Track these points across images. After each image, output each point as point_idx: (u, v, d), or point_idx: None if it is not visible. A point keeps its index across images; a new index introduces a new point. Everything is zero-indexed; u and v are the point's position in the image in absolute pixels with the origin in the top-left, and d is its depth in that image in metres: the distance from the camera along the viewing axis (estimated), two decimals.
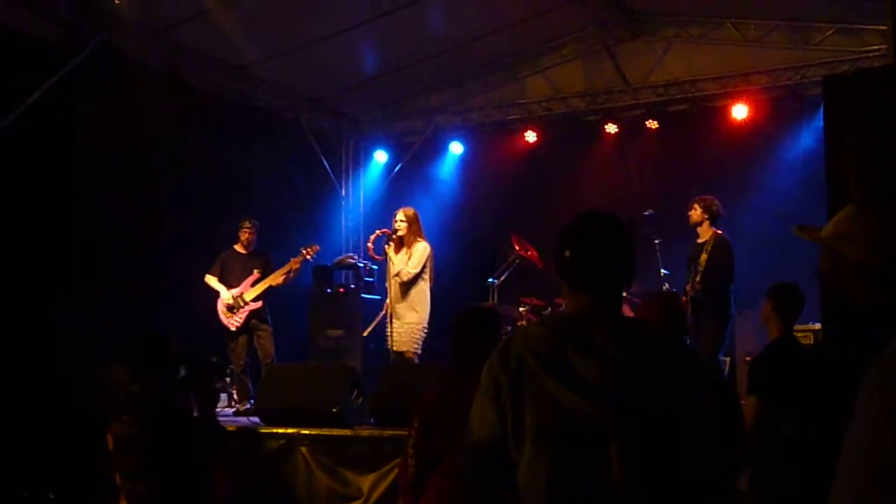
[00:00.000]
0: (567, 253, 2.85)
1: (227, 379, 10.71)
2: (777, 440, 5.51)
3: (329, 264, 12.63)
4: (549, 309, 11.21)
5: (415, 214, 9.92)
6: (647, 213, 10.78)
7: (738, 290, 9.56)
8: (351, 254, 13.52)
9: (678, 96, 13.10)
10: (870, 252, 2.23)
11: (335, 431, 8.19)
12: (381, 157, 15.17)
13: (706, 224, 9.81)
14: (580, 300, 2.83)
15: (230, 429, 7.93)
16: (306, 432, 8.22)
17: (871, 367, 1.68)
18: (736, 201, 11.01)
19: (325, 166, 14.47)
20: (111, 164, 10.54)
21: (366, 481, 7.91)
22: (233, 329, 10.51)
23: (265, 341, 10.60)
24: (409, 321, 9.65)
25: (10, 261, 9.07)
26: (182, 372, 6.52)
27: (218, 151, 12.08)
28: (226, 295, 10.52)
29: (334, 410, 8.22)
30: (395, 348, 9.64)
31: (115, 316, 9.92)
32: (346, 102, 14.43)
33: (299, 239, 11.39)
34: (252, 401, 9.87)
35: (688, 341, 8.31)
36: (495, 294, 11.48)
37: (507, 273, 11.63)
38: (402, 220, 9.81)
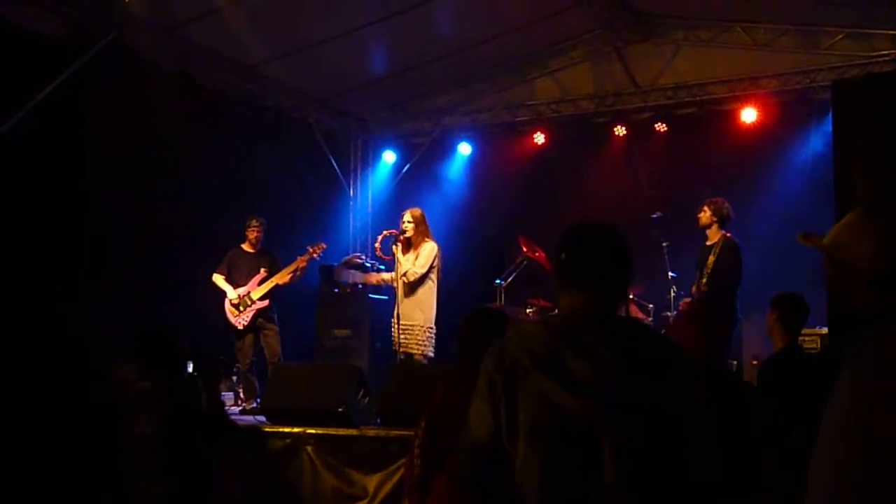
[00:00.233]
0: (563, 255, 2.92)
1: (234, 378, 10.74)
2: (779, 448, 5.50)
3: (336, 264, 12.64)
4: (557, 311, 11.20)
5: (422, 215, 9.94)
6: (655, 216, 10.79)
7: (746, 294, 9.56)
8: (358, 253, 13.52)
9: (687, 99, 13.08)
10: (871, 258, 2.24)
11: (341, 431, 8.19)
12: (389, 157, 15.17)
13: (715, 227, 9.81)
14: (575, 300, 2.87)
15: None
16: (312, 432, 8.22)
17: (845, 370, 1.68)
18: (744, 204, 11.00)
19: (333, 166, 14.47)
20: (119, 162, 10.56)
21: (371, 481, 7.90)
22: (239, 328, 10.52)
23: (272, 340, 10.61)
24: (415, 322, 9.66)
25: (18, 258, 9.07)
26: (189, 369, 6.54)
27: (226, 150, 12.08)
28: (232, 294, 10.54)
29: (340, 410, 8.22)
30: (402, 349, 9.65)
31: (122, 314, 9.92)
32: (354, 102, 14.43)
33: (307, 238, 11.38)
34: (258, 400, 9.88)
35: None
36: (503, 295, 11.48)
37: (514, 274, 11.63)
38: (409, 221, 9.83)
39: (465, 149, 14.65)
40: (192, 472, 5.69)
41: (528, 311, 11.22)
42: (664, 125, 13.08)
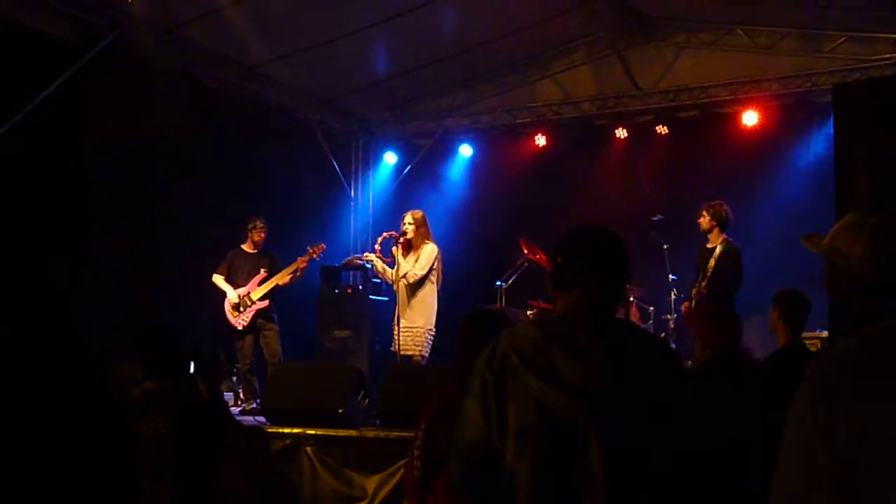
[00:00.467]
0: (558, 259, 2.96)
1: (234, 378, 10.74)
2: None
3: (337, 265, 12.64)
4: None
5: (423, 217, 9.94)
6: (655, 219, 10.80)
7: (747, 296, 9.56)
8: (359, 254, 13.53)
9: (688, 102, 13.10)
10: (862, 262, 2.25)
11: (341, 432, 8.19)
12: (390, 158, 15.19)
13: (716, 231, 9.80)
14: (569, 302, 2.90)
15: None
16: (312, 432, 8.22)
17: (808, 372, 1.67)
18: (745, 207, 11.00)
19: (334, 167, 14.49)
20: (121, 161, 10.56)
21: (371, 482, 7.91)
22: (239, 328, 10.52)
23: (271, 341, 10.60)
24: (415, 324, 9.66)
25: (19, 257, 9.08)
26: (192, 368, 6.54)
27: (228, 150, 12.10)
28: (232, 294, 10.54)
29: (340, 411, 8.22)
30: (401, 351, 9.65)
31: (122, 313, 9.94)
32: (356, 103, 14.44)
33: (308, 239, 11.38)
34: (258, 400, 9.88)
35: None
36: (503, 297, 11.48)
37: (515, 276, 11.63)
38: (410, 223, 9.83)
39: (466, 150, 14.67)
40: (199, 473, 5.69)
41: (528, 312, 11.22)
42: (665, 128, 13.09)
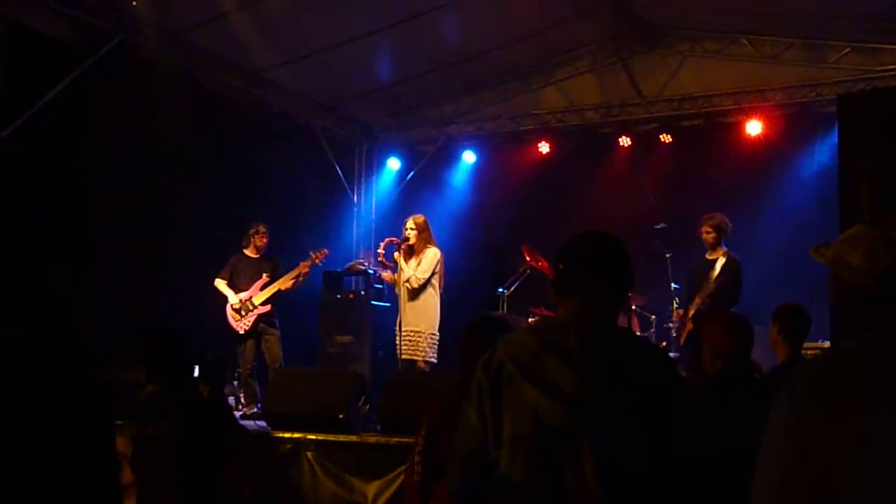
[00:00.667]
0: (560, 266, 2.96)
1: (235, 383, 10.74)
2: None
3: (339, 270, 12.64)
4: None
5: (425, 222, 9.94)
6: (658, 227, 10.80)
7: (750, 307, 9.53)
8: (361, 260, 13.53)
9: (692, 111, 13.09)
10: (862, 273, 2.25)
11: (342, 437, 8.17)
12: (393, 164, 15.19)
13: (719, 244, 9.84)
14: (569, 307, 2.91)
15: None
16: (313, 437, 8.21)
17: (787, 383, 1.64)
18: (748, 217, 11.00)
19: (337, 172, 14.48)
20: (124, 164, 10.57)
21: (371, 488, 7.89)
22: (241, 333, 10.51)
23: (273, 345, 10.59)
24: (417, 329, 9.65)
25: (20, 260, 9.08)
26: (195, 372, 6.54)
27: (230, 155, 12.10)
28: (234, 299, 10.53)
29: (341, 416, 8.21)
30: (404, 356, 9.65)
31: (123, 317, 9.93)
32: (359, 109, 14.44)
33: (310, 244, 11.38)
34: (259, 405, 9.87)
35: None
36: (505, 304, 11.48)
37: (517, 283, 11.63)
38: (412, 228, 9.83)
39: (469, 157, 14.68)
40: (203, 477, 5.67)
41: (530, 320, 11.21)
42: (669, 136, 13.09)
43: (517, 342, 2.84)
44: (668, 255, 10.58)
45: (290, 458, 8.24)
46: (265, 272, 10.66)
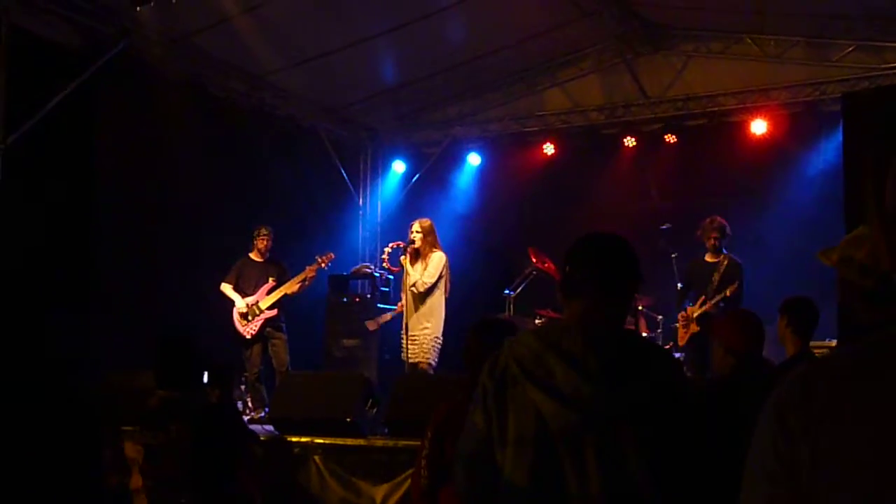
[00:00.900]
0: (567, 268, 2.94)
1: (242, 387, 10.74)
2: None
3: (346, 273, 12.64)
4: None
5: (430, 226, 9.93)
6: (663, 227, 10.79)
7: (756, 305, 9.54)
8: (367, 263, 13.53)
9: (697, 111, 13.07)
10: (864, 273, 2.25)
11: (349, 441, 8.18)
12: (399, 166, 15.17)
13: (722, 248, 9.89)
14: (576, 309, 2.90)
15: None
16: (320, 441, 8.21)
17: (774, 393, 1.61)
18: (753, 216, 10.99)
19: (342, 176, 14.48)
20: (129, 169, 10.60)
21: (379, 491, 7.89)
22: (247, 337, 10.51)
23: (280, 350, 10.59)
24: (422, 332, 9.64)
25: (27, 265, 9.09)
26: (205, 376, 6.55)
27: (236, 159, 12.11)
28: (241, 303, 10.53)
29: (348, 420, 8.22)
30: (410, 359, 9.64)
31: (130, 323, 9.95)
32: (364, 112, 14.44)
33: (316, 248, 11.39)
34: (266, 409, 9.88)
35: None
36: (511, 306, 11.47)
37: (523, 285, 11.61)
38: (417, 232, 9.81)
39: (474, 159, 14.66)
40: (215, 481, 5.69)
41: (536, 321, 11.19)
42: (674, 136, 13.06)
43: (522, 344, 2.84)
44: (673, 255, 10.57)
45: (297, 462, 8.25)
46: (271, 276, 10.67)
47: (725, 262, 9.74)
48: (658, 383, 2.78)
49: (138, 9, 10.08)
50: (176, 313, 10.56)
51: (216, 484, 5.67)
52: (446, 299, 9.82)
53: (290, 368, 10.48)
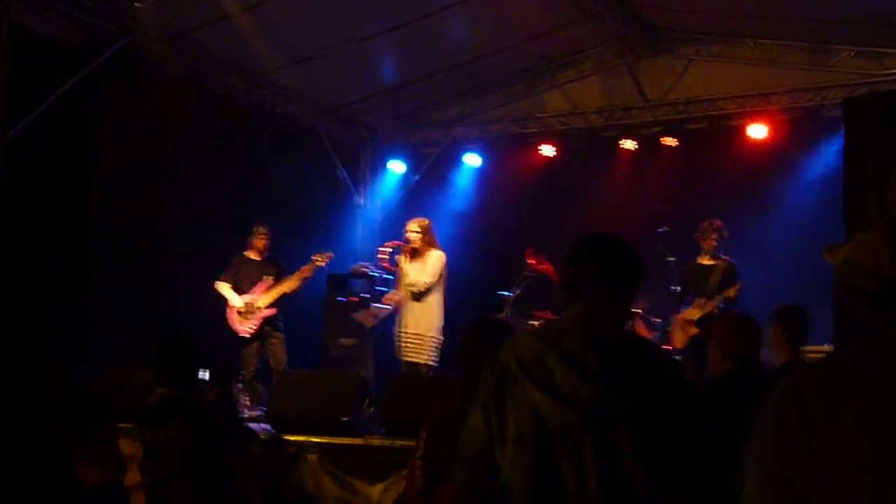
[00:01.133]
0: (570, 270, 2.97)
1: (239, 385, 10.73)
2: None
3: (344, 273, 12.63)
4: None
5: (429, 225, 9.92)
6: (661, 231, 10.78)
7: (755, 308, 9.54)
8: (365, 263, 13.52)
9: (697, 114, 13.07)
10: (867, 275, 2.25)
11: (345, 440, 8.17)
12: (398, 167, 15.16)
13: (719, 251, 9.91)
14: (576, 311, 2.91)
15: None
16: (316, 440, 8.20)
17: (772, 396, 1.60)
18: (753, 220, 10.98)
19: (342, 175, 14.48)
20: (128, 166, 10.60)
21: (375, 491, 7.88)
22: (245, 336, 10.50)
23: (277, 348, 10.58)
24: (421, 331, 9.63)
25: (25, 261, 9.09)
26: (202, 376, 6.54)
27: (235, 157, 12.10)
28: (239, 302, 10.51)
29: (345, 419, 8.21)
30: (406, 359, 9.63)
31: (129, 320, 9.94)
32: (364, 112, 14.44)
33: (315, 246, 11.38)
34: (263, 408, 9.87)
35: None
36: (509, 307, 11.46)
37: (521, 286, 11.60)
38: (415, 231, 9.80)
39: (473, 160, 14.65)
40: (214, 479, 5.68)
41: (534, 323, 11.19)
42: (673, 140, 13.06)
43: (523, 343, 2.85)
44: (671, 259, 10.57)
45: (293, 461, 8.24)
46: (269, 275, 10.65)
47: (723, 265, 9.76)
48: (657, 384, 2.79)
49: (137, 4, 10.09)
50: (175, 310, 10.55)
51: (214, 482, 5.67)
52: (444, 298, 9.82)
53: (287, 367, 10.47)
